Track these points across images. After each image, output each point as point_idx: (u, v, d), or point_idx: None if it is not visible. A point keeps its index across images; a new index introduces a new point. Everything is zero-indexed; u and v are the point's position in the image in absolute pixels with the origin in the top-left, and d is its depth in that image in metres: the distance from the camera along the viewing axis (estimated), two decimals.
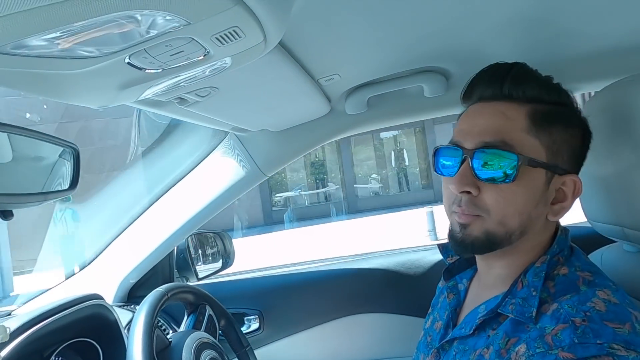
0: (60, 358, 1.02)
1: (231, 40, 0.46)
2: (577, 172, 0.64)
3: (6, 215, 0.49)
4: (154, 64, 0.47)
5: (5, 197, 0.46)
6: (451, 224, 0.65)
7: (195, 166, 1.20)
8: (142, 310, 0.80)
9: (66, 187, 0.59)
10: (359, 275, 1.29)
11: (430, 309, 0.84)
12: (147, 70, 0.48)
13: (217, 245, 1.57)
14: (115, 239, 1.26)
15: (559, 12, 0.74)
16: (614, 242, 0.82)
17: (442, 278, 0.79)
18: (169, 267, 1.37)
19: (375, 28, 0.72)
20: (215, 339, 0.97)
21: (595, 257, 0.86)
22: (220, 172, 1.18)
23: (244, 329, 1.31)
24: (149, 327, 0.78)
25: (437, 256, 1.27)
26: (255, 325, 1.31)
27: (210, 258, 1.55)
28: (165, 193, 1.22)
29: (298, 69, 0.78)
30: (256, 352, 1.18)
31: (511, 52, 0.92)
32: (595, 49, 0.94)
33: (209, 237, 1.56)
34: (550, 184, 0.61)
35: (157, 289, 0.88)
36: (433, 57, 0.92)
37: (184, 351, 0.84)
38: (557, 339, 0.51)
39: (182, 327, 1.00)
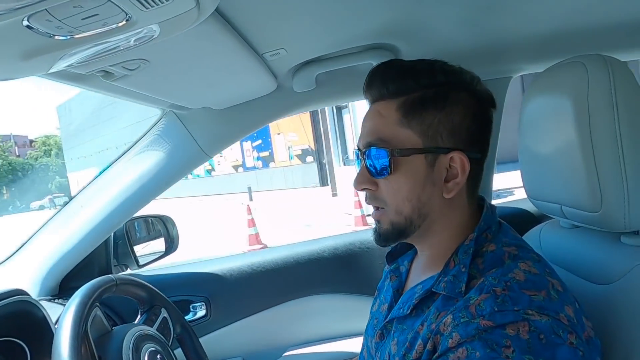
0: None
1: (156, 4, 0.40)
2: (465, 147, 0.65)
3: None
4: (62, 29, 0.39)
5: None
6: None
7: (132, 146, 1.11)
8: (84, 287, 0.75)
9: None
10: (309, 257, 1.27)
11: (376, 292, 0.85)
12: (55, 37, 0.40)
13: (159, 229, 1.48)
14: (42, 226, 1.15)
15: None
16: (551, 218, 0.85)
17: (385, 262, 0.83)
18: (106, 254, 1.27)
19: (323, 1, 0.67)
20: (169, 343, 0.92)
21: (534, 232, 0.89)
22: (158, 152, 1.10)
23: (189, 317, 1.26)
24: (85, 303, 0.73)
25: None
26: (201, 313, 1.26)
27: (152, 243, 1.47)
28: (99, 175, 1.12)
29: (239, 42, 0.72)
30: (203, 339, 1.14)
31: (457, 30, 0.92)
32: (537, 31, 0.95)
33: (150, 222, 1.47)
34: (435, 165, 0.64)
35: (109, 275, 0.81)
36: (382, 34, 0.90)
37: (124, 340, 0.79)
38: (480, 308, 0.55)
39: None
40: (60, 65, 0.49)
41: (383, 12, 0.78)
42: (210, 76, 0.82)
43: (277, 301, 1.27)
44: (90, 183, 1.13)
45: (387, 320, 0.72)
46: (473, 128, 0.66)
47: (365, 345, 0.82)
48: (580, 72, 0.63)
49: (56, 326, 0.73)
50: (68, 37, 0.41)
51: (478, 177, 0.69)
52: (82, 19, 0.39)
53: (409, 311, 0.66)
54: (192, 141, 1.08)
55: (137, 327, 0.86)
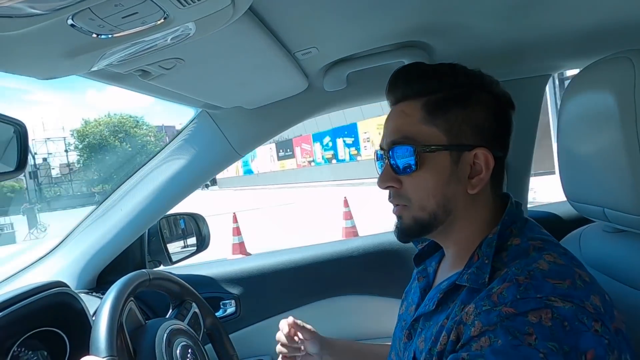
0: (22, 349, 0.97)
1: (193, 2, 0.41)
2: (489, 144, 0.66)
3: None
4: (104, 27, 0.41)
5: None
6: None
7: (167, 145, 1.14)
8: (120, 282, 0.78)
9: (12, 168, 0.53)
10: (338, 257, 1.27)
11: (403, 295, 0.86)
12: (97, 35, 0.42)
13: (191, 228, 1.51)
14: (82, 222, 1.20)
15: None
16: (593, 222, 0.81)
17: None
18: (140, 251, 1.31)
19: None
20: (199, 337, 0.94)
21: (574, 236, 0.86)
22: (192, 151, 1.13)
23: (219, 314, 1.28)
24: (121, 298, 0.76)
25: None
26: (231, 310, 1.28)
27: (184, 241, 1.50)
28: (135, 173, 1.16)
29: (272, 41, 0.72)
30: (232, 335, 1.16)
31: (493, 27, 0.89)
32: (577, 26, 0.92)
33: (182, 220, 1.51)
34: (459, 162, 0.66)
35: (142, 270, 0.84)
36: (415, 31, 0.88)
37: (157, 334, 0.81)
38: (502, 297, 0.55)
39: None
40: (101, 64, 0.51)
41: (416, 9, 0.77)
42: (243, 75, 0.84)
43: (305, 301, 1.27)
44: (126, 180, 1.17)
45: (414, 318, 0.72)
46: (495, 127, 0.68)
47: (393, 348, 0.82)
48: (626, 68, 0.60)
49: (94, 318, 0.76)
50: (109, 35, 0.42)
51: (501, 174, 0.70)
52: (122, 17, 0.40)
53: (434, 307, 0.67)
54: (224, 140, 1.10)
55: (170, 322, 0.88)
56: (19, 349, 0.97)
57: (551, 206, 1.31)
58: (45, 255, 1.22)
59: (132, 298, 0.82)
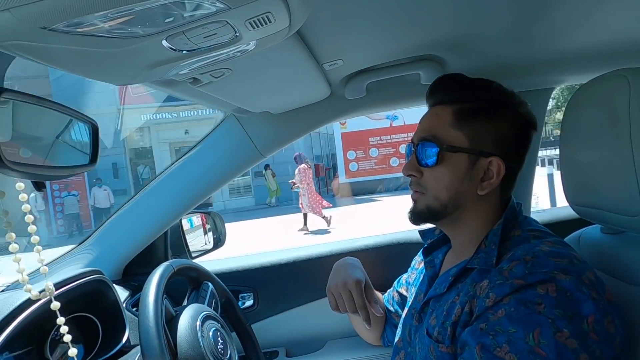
0: (59, 332, 1.04)
1: (262, 25, 0.49)
2: (505, 155, 0.75)
3: (40, 186, 0.51)
4: (187, 44, 0.49)
5: (40, 169, 0.48)
6: None
7: (195, 145, 1.22)
8: (153, 279, 0.83)
9: (87, 162, 0.61)
10: (352, 253, 1.34)
11: (407, 287, 0.98)
12: (181, 51, 0.50)
13: (209, 225, 1.59)
14: (112, 216, 1.27)
15: (551, 8, 0.78)
16: (592, 224, 0.88)
17: (419, 255, 0.98)
18: (164, 246, 1.38)
19: (382, 15, 0.75)
20: (218, 314, 1.01)
21: (573, 237, 0.92)
22: (218, 152, 1.20)
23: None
24: (160, 295, 0.81)
25: None
26: (249, 302, 1.35)
27: (202, 237, 1.57)
28: (164, 171, 1.23)
29: (306, 53, 0.80)
30: (251, 326, 1.23)
31: (503, 43, 0.96)
32: (583, 44, 0.99)
33: (202, 217, 1.58)
34: (475, 165, 0.75)
35: (165, 262, 0.90)
36: (431, 46, 0.96)
37: (190, 321, 0.88)
38: (512, 273, 0.64)
39: (185, 303, 1.03)
40: (171, 74, 0.59)
41: (434, 26, 0.84)
42: (275, 83, 0.91)
43: (321, 294, 1.34)
44: (155, 178, 1.24)
45: (424, 302, 0.81)
46: (514, 142, 0.77)
47: (401, 335, 0.89)
48: (622, 85, 0.66)
49: (138, 313, 0.81)
50: (190, 51, 0.50)
51: (511, 183, 0.80)
52: (204, 37, 0.48)
53: (445, 289, 0.76)
54: (250, 142, 1.17)
55: (198, 308, 0.95)
56: (57, 334, 1.03)
57: (551, 211, 1.39)
58: (76, 247, 1.29)
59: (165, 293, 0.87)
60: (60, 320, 0.68)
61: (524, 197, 1.24)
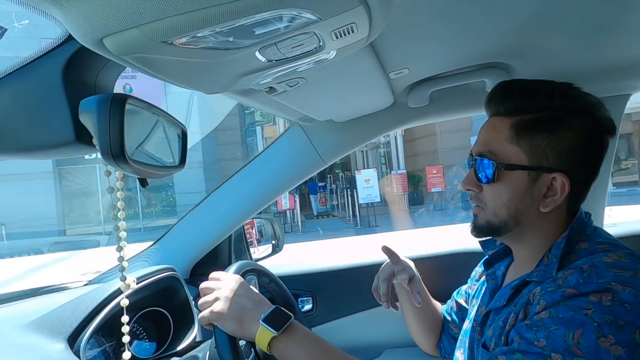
0: (135, 325, 1.12)
1: (345, 35, 0.52)
2: (571, 169, 0.70)
3: (143, 183, 0.56)
4: (276, 55, 0.53)
5: (149, 168, 0.53)
6: None
7: (261, 153, 1.27)
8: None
9: (177, 163, 0.66)
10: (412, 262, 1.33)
11: (468, 300, 0.97)
12: (269, 61, 0.54)
13: (268, 230, 1.65)
14: (182, 219, 1.35)
15: (624, 16, 0.76)
16: None
17: (480, 266, 0.95)
18: (228, 249, 1.45)
19: (451, 24, 0.76)
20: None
21: None
22: (283, 160, 1.25)
23: None
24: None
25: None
26: (308, 306, 1.38)
27: (262, 243, 1.63)
28: (231, 177, 1.30)
29: (375, 62, 0.82)
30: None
31: (573, 49, 0.93)
32: None
33: (262, 223, 1.64)
34: (537, 181, 0.71)
35: (243, 261, 0.96)
36: (497, 53, 0.95)
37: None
38: (566, 281, 0.62)
39: None
40: (255, 83, 0.63)
41: (500, 33, 0.83)
42: (343, 92, 0.95)
43: (377, 303, 1.34)
44: (223, 183, 1.31)
45: (484, 313, 0.79)
46: (582, 152, 0.70)
47: (462, 347, 0.88)
48: None
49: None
50: (275, 60, 0.54)
51: (580, 196, 0.74)
52: (292, 48, 0.52)
53: (505, 302, 0.74)
54: (313, 150, 1.21)
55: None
56: (134, 326, 1.11)
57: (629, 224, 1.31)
58: (149, 247, 1.38)
59: None
60: (125, 319, 0.70)
61: (596, 208, 1.18)
